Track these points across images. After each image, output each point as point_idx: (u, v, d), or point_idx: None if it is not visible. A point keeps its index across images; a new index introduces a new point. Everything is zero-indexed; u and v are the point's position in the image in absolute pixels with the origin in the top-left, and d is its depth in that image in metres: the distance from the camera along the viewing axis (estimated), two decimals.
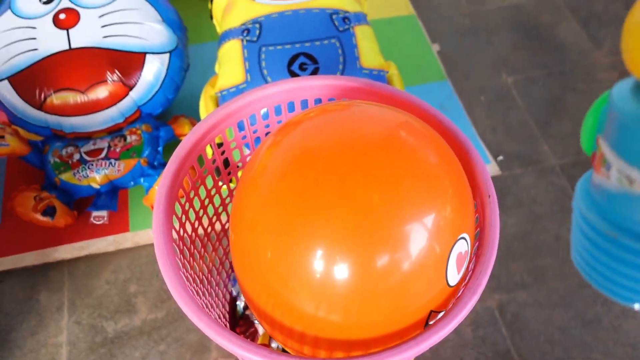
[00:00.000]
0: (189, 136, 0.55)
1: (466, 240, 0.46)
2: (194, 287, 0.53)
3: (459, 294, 0.47)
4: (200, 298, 0.54)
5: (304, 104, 0.61)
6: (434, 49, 1.06)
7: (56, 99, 0.80)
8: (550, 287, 0.77)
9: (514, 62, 1.05)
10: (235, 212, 0.50)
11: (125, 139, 0.83)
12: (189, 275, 0.54)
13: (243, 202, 0.49)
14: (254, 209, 0.47)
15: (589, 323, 0.74)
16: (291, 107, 0.61)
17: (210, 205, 0.63)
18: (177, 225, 0.54)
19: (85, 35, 0.80)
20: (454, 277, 0.45)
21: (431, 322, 0.47)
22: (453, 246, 0.44)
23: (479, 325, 0.74)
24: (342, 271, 0.42)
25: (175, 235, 0.53)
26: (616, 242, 0.28)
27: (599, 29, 1.09)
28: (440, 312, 0.47)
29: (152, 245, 0.82)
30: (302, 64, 0.76)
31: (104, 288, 0.78)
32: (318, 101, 0.61)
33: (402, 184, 0.43)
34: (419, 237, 0.43)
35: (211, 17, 0.91)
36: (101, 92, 0.81)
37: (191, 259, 0.57)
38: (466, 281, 0.48)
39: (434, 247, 0.43)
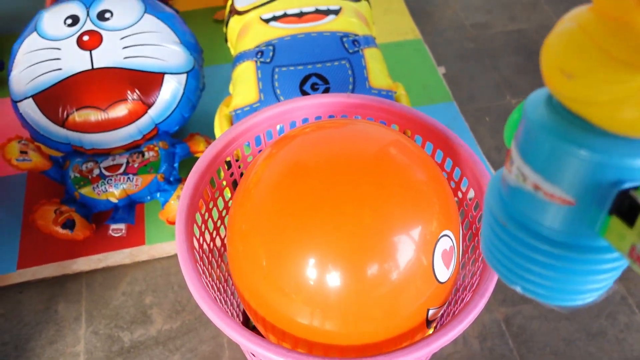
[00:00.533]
0: (209, 149, 0.58)
1: (449, 237, 0.48)
2: (212, 294, 0.56)
3: (468, 298, 0.49)
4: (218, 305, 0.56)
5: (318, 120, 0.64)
6: (439, 72, 1.10)
7: (78, 116, 0.83)
8: None
9: (517, 84, 1.08)
10: (231, 224, 0.53)
11: (143, 155, 0.86)
12: (208, 282, 0.56)
13: (238, 213, 0.51)
14: (249, 219, 0.49)
15: (594, 336, 0.76)
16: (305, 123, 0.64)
17: (227, 217, 0.66)
18: (197, 233, 0.57)
19: (107, 56, 0.84)
20: (443, 274, 0.48)
21: (432, 319, 0.49)
22: (435, 246, 0.46)
23: (487, 338, 0.76)
24: (334, 279, 0.45)
25: (195, 244, 0.56)
26: (505, 229, 0.31)
27: None
28: (438, 308, 0.50)
29: (167, 258, 0.84)
30: (314, 84, 0.80)
31: (121, 299, 0.80)
32: (332, 117, 0.64)
33: (391, 199, 0.46)
34: (406, 247, 0.45)
35: (226, 40, 0.95)
36: (121, 110, 0.84)
37: (209, 266, 0.60)
38: (474, 287, 0.50)
39: (419, 254, 0.46)
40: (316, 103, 0.63)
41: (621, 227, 0.27)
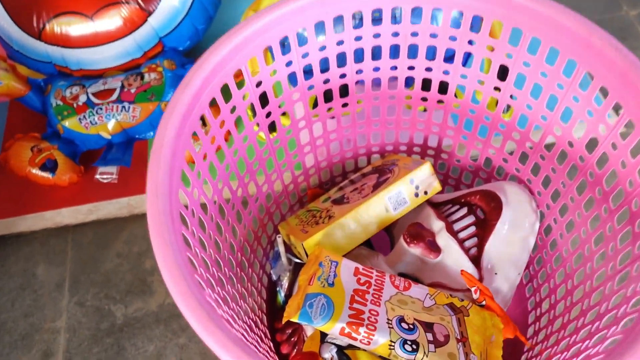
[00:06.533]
0: (200, 62, 0.38)
1: None
2: (208, 276, 0.37)
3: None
4: (215, 288, 0.38)
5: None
6: None
7: (57, 25, 0.64)
8: None
9: None
10: None
11: (142, 78, 0.66)
12: (205, 257, 0.38)
13: None
14: None
15: None
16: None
17: (241, 158, 0.46)
18: (189, 188, 0.38)
19: None
20: None
21: None
22: None
23: None
24: None
25: (187, 200, 0.37)
26: None
27: None
28: None
29: None
30: None
31: (114, 262, 0.63)
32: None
33: None
34: None
35: None
36: (112, 18, 0.64)
37: (211, 232, 0.41)
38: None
39: None
40: None
41: None
